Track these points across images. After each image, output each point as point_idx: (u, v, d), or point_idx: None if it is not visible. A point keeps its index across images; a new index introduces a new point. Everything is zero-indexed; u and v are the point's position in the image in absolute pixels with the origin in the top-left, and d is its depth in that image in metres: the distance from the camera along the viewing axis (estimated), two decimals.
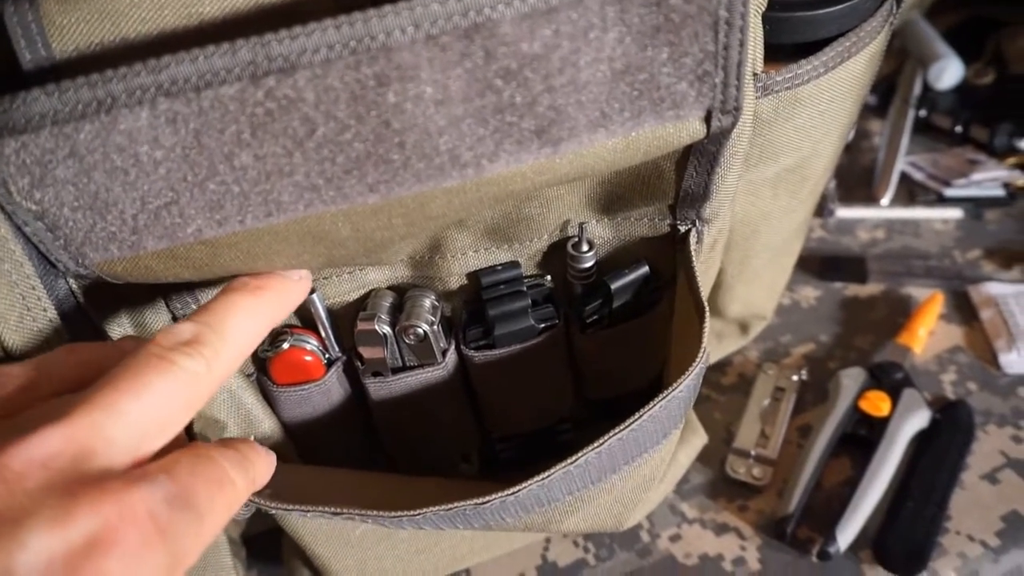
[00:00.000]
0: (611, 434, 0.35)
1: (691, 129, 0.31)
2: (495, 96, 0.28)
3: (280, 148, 0.29)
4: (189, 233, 0.30)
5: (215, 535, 0.27)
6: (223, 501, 0.28)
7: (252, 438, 0.38)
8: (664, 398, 0.35)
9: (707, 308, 0.36)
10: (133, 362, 0.27)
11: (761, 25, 0.35)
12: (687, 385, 0.36)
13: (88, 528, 0.23)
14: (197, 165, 0.29)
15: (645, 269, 0.41)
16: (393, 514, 0.35)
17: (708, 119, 0.30)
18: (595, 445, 0.35)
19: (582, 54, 0.27)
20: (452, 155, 0.29)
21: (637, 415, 0.35)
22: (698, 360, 0.35)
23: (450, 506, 0.34)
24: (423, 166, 0.29)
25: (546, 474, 0.35)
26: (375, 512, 0.35)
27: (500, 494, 0.35)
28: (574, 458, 0.35)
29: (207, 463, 0.28)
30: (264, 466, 0.32)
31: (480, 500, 0.35)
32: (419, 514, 0.34)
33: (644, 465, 0.38)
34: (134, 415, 0.26)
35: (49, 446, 0.24)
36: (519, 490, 0.35)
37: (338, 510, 0.34)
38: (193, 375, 0.28)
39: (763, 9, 0.34)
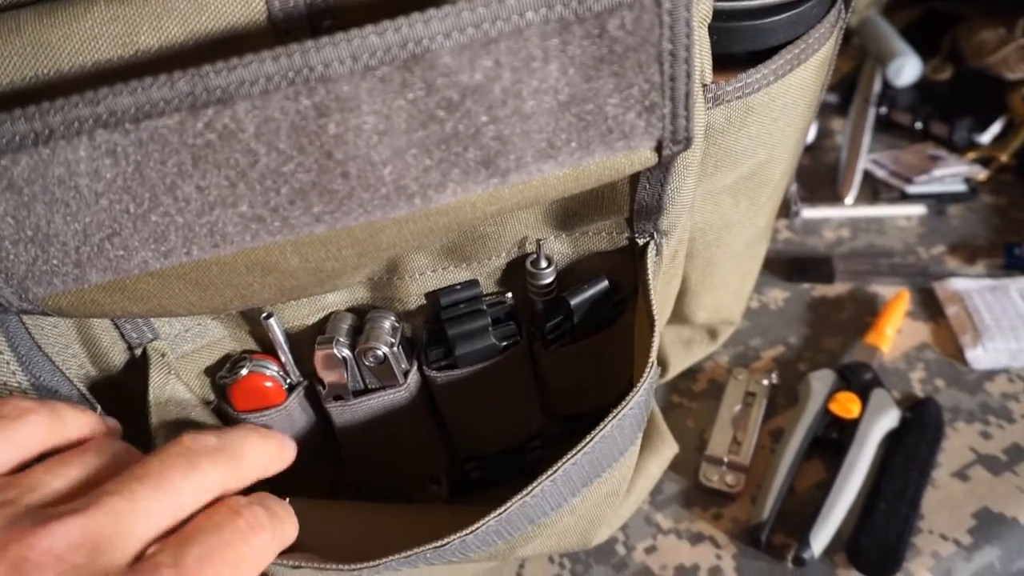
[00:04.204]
0: (565, 459, 0.35)
1: (643, 158, 0.30)
2: (438, 126, 0.27)
3: (223, 179, 0.28)
4: (134, 265, 0.30)
5: None
6: None
7: None
8: (615, 417, 0.35)
9: (656, 321, 0.36)
10: (159, 459, 0.29)
11: (708, 37, 0.35)
12: (637, 402, 0.35)
13: None
14: (139, 196, 0.28)
15: (605, 284, 0.41)
16: (352, 567, 0.34)
17: (659, 148, 0.30)
18: (550, 473, 0.35)
19: (525, 85, 0.27)
20: (397, 185, 0.28)
21: (589, 437, 0.35)
22: (645, 376, 0.35)
23: (409, 552, 0.34)
24: (368, 196, 0.29)
25: (503, 508, 0.34)
26: (334, 566, 0.34)
27: (459, 534, 0.34)
28: (530, 488, 0.35)
29: (221, 546, 0.28)
30: (291, 529, 0.32)
31: (439, 543, 0.34)
32: (380, 563, 0.34)
33: (604, 483, 0.38)
34: (152, 510, 0.27)
35: (69, 538, 0.25)
36: (477, 528, 0.34)
37: (296, 563, 0.34)
38: (213, 481, 0.29)
39: (709, 20, 0.34)
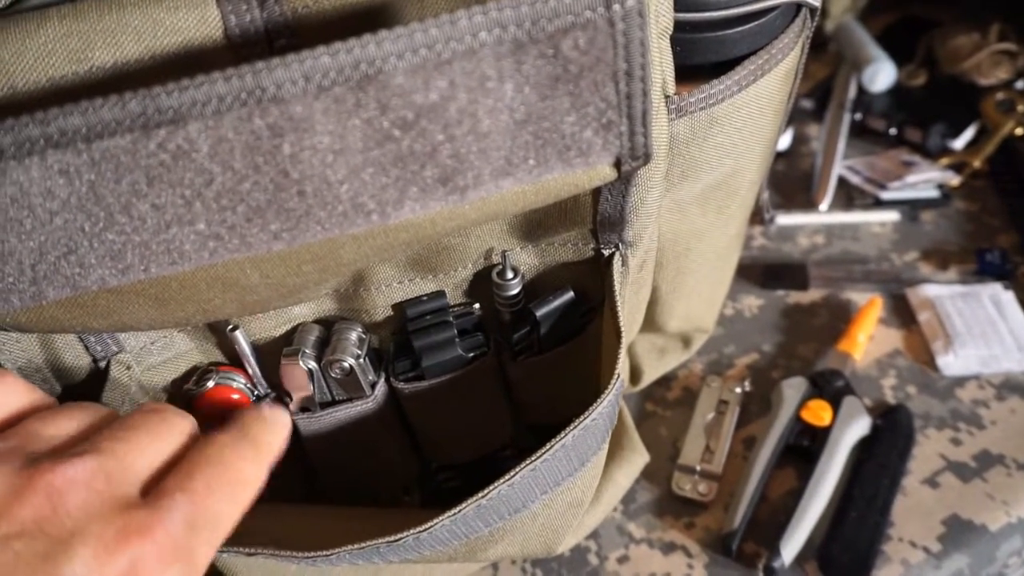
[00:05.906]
0: (523, 465, 0.35)
1: (602, 174, 0.30)
2: (394, 145, 0.27)
3: (179, 198, 0.28)
4: (91, 282, 0.30)
5: (229, 532, 0.30)
6: (240, 501, 0.30)
7: None
8: (576, 427, 0.35)
9: (624, 332, 0.36)
10: (140, 413, 0.31)
11: (670, 48, 0.35)
12: (600, 413, 0.35)
13: (122, 564, 0.26)
14: (94, 215, 0.28)
15: (570, 295, 0.41)
16: (306, 554, 0.35)
17: (618, 164, 0.30)
18: (506, 478, 0.35)
19: (480, 104, 0.27)
20: (355, 203, 0.28)
21: (549, 445, 0.35)
22: (611, 388, 0.35)
23: (362, 544, 0.35)
24: (325, 214, 0.29)
25: (457, 509, 0.35)
26: (288, 553, 0.35)
27: (413, 530, 0.35)
28: (485, 491, 0.35)
29: (223, 468, 0.30)
30: (281, 435, 0.34)
31: (393, 537, 0.35)
32: (332, 553, 0.34)
33: (566, 492, 0.38)
34: (148, 451, 0.30)
35: (87, 469, 0.27)
36: (431, 526, 0.35)
37: (252, 551, 0.34)
38: (182, 430, 0.32)
39: (670, 32, 0.34)
